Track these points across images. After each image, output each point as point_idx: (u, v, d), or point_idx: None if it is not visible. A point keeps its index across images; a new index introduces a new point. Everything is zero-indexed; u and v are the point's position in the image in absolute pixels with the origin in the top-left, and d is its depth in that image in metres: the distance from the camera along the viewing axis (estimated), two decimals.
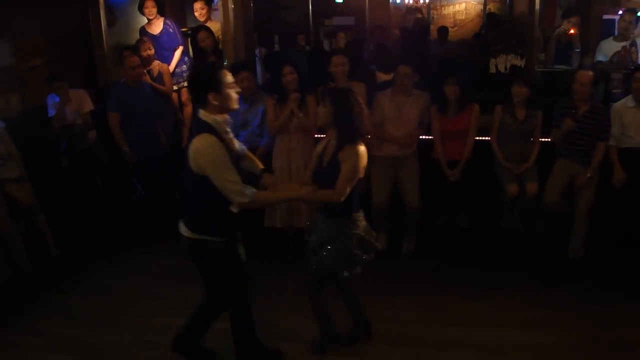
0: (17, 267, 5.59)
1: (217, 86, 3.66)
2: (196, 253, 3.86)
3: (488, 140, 5.91)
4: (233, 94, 3.74)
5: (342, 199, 3.90)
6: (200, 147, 3.58)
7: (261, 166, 4.18)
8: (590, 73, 5.50)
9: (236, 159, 3.85)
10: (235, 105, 3.79)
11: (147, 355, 4.54)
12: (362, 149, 3.94)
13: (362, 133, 4.07)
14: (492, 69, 6.74)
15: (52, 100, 6.72)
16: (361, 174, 3.99)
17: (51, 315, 5.17)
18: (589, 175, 5.45)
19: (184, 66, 7.50)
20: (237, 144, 3.96)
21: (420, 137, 5.93)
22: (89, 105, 6.91)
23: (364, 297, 5.17)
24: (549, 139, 5.74)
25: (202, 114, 3.69)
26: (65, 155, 6.86)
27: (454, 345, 4.51)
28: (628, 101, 5.59)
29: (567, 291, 5.25)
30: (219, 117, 3.69)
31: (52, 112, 6.73)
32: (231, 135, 3.85)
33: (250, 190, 3.67)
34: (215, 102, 3.65)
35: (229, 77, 3.74)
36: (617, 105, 5.64)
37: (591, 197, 5.49)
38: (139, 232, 6.53)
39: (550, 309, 4.98)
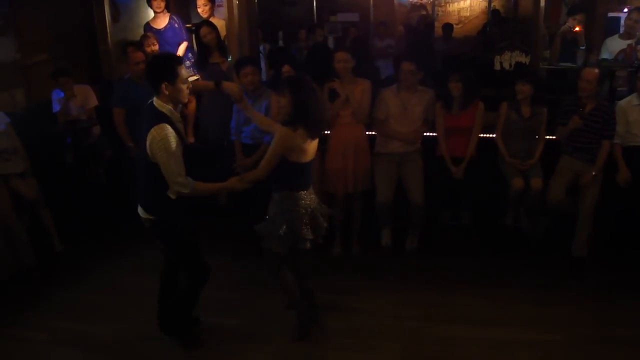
0: (22, 261, 5.60)
1: (172, 78, 3.88)
2: (153, 231, 4.20)
3: (492, 137, 5.90)
4: (185, 88, 3.97)
5: (263, 174, 4.16)
6: (157, 137, 3.79)
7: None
8: (596, 70, 5.49)
9: (185, 148, 4.04)
10: (185, 100, 4.11)
11: (151, 350, 4.55)
12: (287, 132, 4.12)
13: (321, 120, 4.31)
14: (497, 66, 6.72)
15: (57, 96, 6.74)
16: (290, 156, 4.18)
17: (55, 310, 5.19)
18: (593, 173, 5.44)
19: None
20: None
21: (425, 133, 5.93)
22: (93, 101, 6.92)
23: (367, 293, 5.20)
24: (554, 137, 5.73)
25: (157, 102, 3.93)
26: (69, 150, 6.88)
27: (457, 343, 4.51)
28: (633, 99, 5.58)
29: (570, 289, 5.24)
30: (172, 107, 3.95)
31: (56, 107, 6.74)
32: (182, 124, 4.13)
33: (190, 182, 3.94)
34: (166, 92, 3.89)
35: (185, 73, 3.99)
36: (622, 103, 5.64)
37: (596, 195, 5.49)
38: (141, 228, 6.53)
39: (554, 307, 4.98)
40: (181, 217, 4.12)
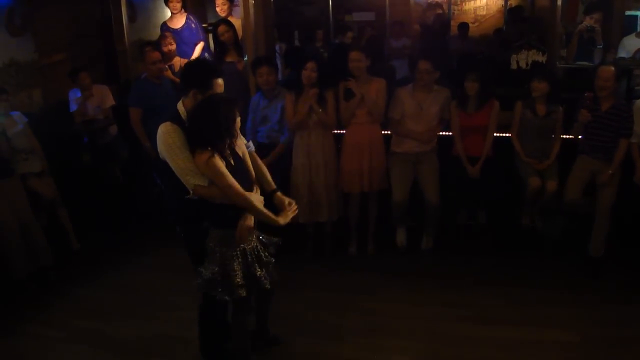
0: (39, 260, 5.65)
1: (204, 88, 3.74)
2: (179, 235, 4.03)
3: (508, 136, 5.88)
4: None
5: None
6: (160, 134, 3.70)
7: (273, 186, 4.07)
8: (612, 68, 5.43)
9: None
10: None
11: (167, 349, 4.58)
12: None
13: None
14: (514, 65, 6.68)
15: (74, 96, 6.78)
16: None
17: (72, 308, 5.23)
18: (610, 172, 5.39)
19: None
20: (243, 142, 3.94)
21: (440, 133, 5.92)
22: (110, 101, 6.96)
23: (382, 293, 5.20)
24: (571, 136, 5.69)
25: (180, 104, 3.82)
26: (86, 149, 6.91)
27: (472, 342, 4.50)
28: None
29: (587, 289, 5.21)
30: None
31: (74, 107, 6.78)
32: None
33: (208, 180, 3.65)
34: (194, 98, 3.74)
35: (220, 87, 3.80)
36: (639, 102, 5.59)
37: (613, 195, 5.43)
38: (159, 227, 6.56)
39: (570, 307, 4.95)
40: (192, 228, 3.94)
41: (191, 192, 3.64)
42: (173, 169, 3.66)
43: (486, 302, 5.05)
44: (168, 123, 3.70)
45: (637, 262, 5.55)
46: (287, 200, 3.99)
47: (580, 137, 5.59)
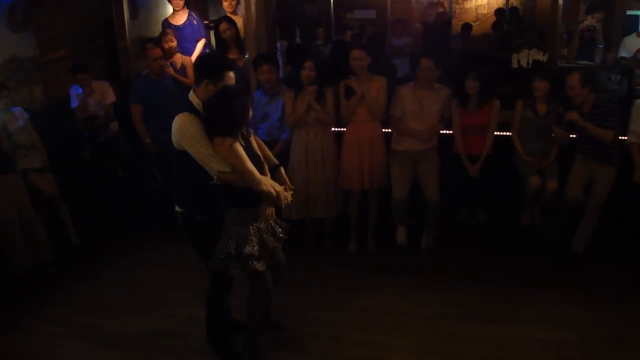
0: (39, 255, 5.66)
1: (216, 79, 3.85)
2: (184, 226, 4.09)
3: (508, 135, 5.88)
4: None
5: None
6: (177, 124, 3.78)
7: (275, 162, 4.26)
8: (577, 74, 5.33)
9: None
10: None
11: (167, 345, 4.58)
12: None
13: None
14: (515, 64, 6.69)
15: (75, 92, 6.77)
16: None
17: (72, 304, 5.24)
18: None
19: None
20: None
21: (441, 131, 5.92)
22: (111, 97, 6.96)
23: (382, 291, 5.20)
24: (571, 135, 5.69)
25: (192, 94, 3.92)
26: (87, 146, 6.92)
27: (471, 340, 4.50)
28: None
29: (586, 288, 5.21)
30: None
31: (75, 103, 6.78)
32: None
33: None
34: (206, 89, 3.86)
35: (231, 79, 3.92)
36: None
37: (605, 192, 5.39)
38: (159, 223, 6.57)
39: (570, 306, 4.95)
40: (212, 214, 3.96)
41: (215, 177, 3.75)
42: (195, 157, 3.74)
43: (486, 300, 5.05)
44: (186, 113, 3.79)
45: (637, 261, 5.55)
46: (287, 180, 4.22)
47: (575, 136, 5.59)
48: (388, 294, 5.19)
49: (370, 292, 5.25)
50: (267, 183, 3.86)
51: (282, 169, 4.24)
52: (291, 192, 4.11)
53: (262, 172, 3.91)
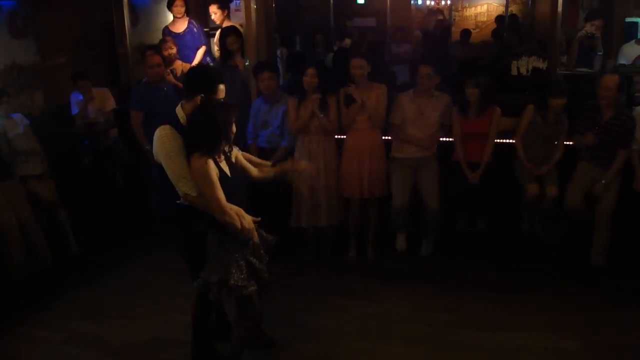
0: (38, 262, 5.66)
1: (211, 93, 3.80)
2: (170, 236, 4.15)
3: (509, 142, 5.88)
4: None
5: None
6: (156, 136, 3.73)
7: (269, 164, 4.33)
8: (617, 77, 5.40)
9: None
10: None
11: (166, 352, 4.57)
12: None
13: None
14: (514, 71, 6.71)
15: (75, 98, 6.79)
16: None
17: (71, 311, 5.22)
18: (603, 182, 5.37)
19: None
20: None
21: (441, 139, 5.92)
22: (111, 104, 6.97)
23: (382, 298, 5.19)
24: (572, 142, 5.70)
25: (179, 108, 3.85)
26: (87, 152, 6.94)
27: (471, 348, 4.50)
28: None
29: (587, 296, 5.20)
30: None
31: (75, 110, 6.79)
32: None
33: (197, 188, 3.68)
34: (196, 104, 3.77)
35: (222, 92, 3.88)
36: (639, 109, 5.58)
37: (612, 202, 5.43)
38: (158, 230, 6.56)
39: (570, 313, 4.94)
40: (189, 231, 3.91)
41: (182, 198, 3.69)
42: (167, 173, 3.70)
43: (485, 308, 5.04)
44: (167, 126, 3.73)
45: (637, 269, 5.55)
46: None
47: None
48: (388, 302, 5.18)
49: (370, 299, 5.24)
50: (233, 214, 3.65)
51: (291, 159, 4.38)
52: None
53: (242, 195, 3.83)
